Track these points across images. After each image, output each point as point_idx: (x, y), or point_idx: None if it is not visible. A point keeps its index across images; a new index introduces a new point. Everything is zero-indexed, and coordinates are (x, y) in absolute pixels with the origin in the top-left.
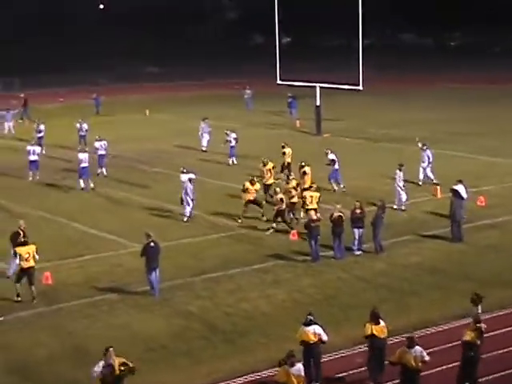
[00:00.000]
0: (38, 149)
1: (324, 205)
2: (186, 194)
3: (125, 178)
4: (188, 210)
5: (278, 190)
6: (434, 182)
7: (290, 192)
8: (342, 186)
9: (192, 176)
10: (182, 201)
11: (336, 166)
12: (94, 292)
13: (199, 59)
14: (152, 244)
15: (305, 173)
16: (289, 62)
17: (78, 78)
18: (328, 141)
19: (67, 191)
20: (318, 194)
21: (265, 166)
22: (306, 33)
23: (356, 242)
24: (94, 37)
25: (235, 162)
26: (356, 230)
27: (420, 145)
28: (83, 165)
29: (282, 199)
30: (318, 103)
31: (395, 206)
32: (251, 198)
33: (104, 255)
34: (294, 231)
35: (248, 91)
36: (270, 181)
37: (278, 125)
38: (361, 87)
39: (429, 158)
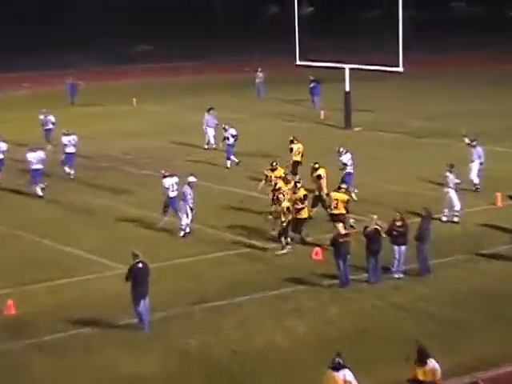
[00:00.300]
0: (3, 145)
1: (355, 215)
2: (185, 202)
3: (106, 183)
4: (186, 221)
5: (281, 197)
6: (477, 187)
7: (297, 203)
8: (354, 190)
9: (192, 179)
10: (165, 208)
11: (349, 169)
12: (68, 325)
13: (200, 35)
14: (140, 265)
15: (320, 177)
16: (311, 37)
17: (52, 59)
18: (359, 136)
19: (35, 200)
20: (345, 197)
21: (273, 171)
22: (333, 1)
23: (396, 263)
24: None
25: (235, 161)
26: (396, 248)
27: (468, 140)
28: (35, 167)
29: (288, 209)
30: (347, 89)
31: (444, 218)
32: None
33: (80, 279)
34: (317, 249)
35: (260, 75)
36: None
37: (297, 116)
38: (401, 69)
39: (480, 158)
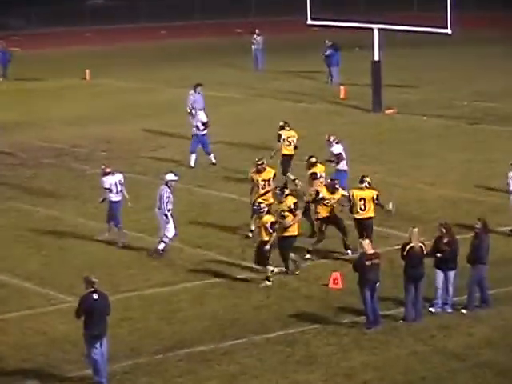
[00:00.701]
0: None
1: (388, 229)
2: (161, 207)
3: (47, 186)
4: (172, 233)
5: (262, 206)
6: None
7: (283, 217)
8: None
9: (171, 177)
10: (109, 219)
11: (342, 166)
12: None
13: None
14: (95, 296)
15: (315, 176)
16: None
17: None
18: (392, 121)
19: None
20: (373, 193)
21: (260, 172)
22: None
23: (440, 293)
24: None
25: (213, 160)
26: (441, 274)
27: None
28: None
29: (273, 224)
30: (376, 58)
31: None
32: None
33: (15, 316)
34: (336, 274)
35: (258, 38)
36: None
37: (308, 95)
38: (449, 30)
39: None
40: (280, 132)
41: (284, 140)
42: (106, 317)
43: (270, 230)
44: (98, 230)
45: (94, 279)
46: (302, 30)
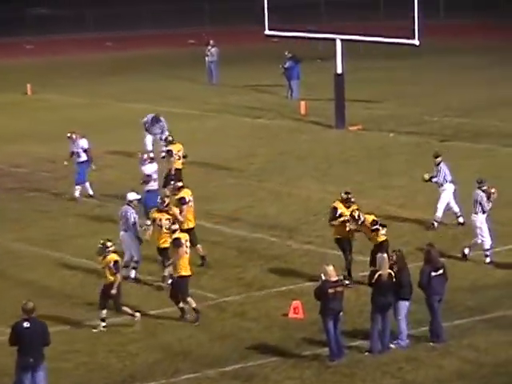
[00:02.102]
0: None
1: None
2: (128, 229)
3: None
4: (137, 257)
5: (109, 244)
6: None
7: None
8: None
9: (133, 197)
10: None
11: (151, 186)
12: None
13: None
14: (25, 324)
15: (184, 201)
16: None
17: None
18: (357, 138)
19: None
20: (354, 207)
21: (175, 192)
22: None
23: (403, 326)
24: None
25: (90, 192)
26: (402, 303)
27: None
28: None
29: (165, 250)
30: (339, 70)
31: (467, 250)
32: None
33: None
34: (296, 304)
35: (212, 49)
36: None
37: (267, 110)
38: (416, 41)
39: None
40: (169, 148)
41: (175, 155)
42: (41, 347)
43: (114, 270)
44: (40, 257)
45: (29, 306)
46: (259, 41)
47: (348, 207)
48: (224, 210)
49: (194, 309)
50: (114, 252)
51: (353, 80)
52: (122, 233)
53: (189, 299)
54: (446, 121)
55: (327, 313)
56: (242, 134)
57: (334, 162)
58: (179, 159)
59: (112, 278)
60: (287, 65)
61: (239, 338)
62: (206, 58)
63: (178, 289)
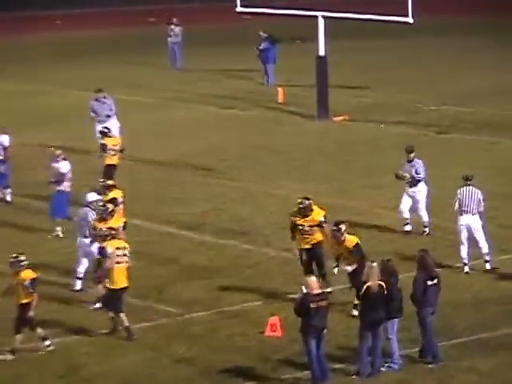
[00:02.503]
0: None
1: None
2: (87, 236)
3: None
4: (81, 271)
5: (22, 258)
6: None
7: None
8: None
9: (93, 197)
10: None
11: (64, 187)
12: None
13: None
14: None
15: (116, 202)
16: None
17: None
18: (341, 130)
19: None
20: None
21: (109, 189)
22: None
23: (395, 346)
24: None
25: (8, 198)
26: (392, 321)
27: None
28: None
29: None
30: (321, 52)
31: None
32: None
33: None
34: (273, 320)
35: (176, 29)
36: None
37: (240, 99)
38: (410, 19)
39: None
40: (103, 141)
41: (110, 149)
42: None
43: (31, 290)
44: None
45: None
46: (231, 19)
47: (305, 216)
48: (190, 213)
49: (126, 328)
50: (29, 267)
51: (337, 63)
52: (79, 239)
53: (122, 315)
54: (444, 110)
55: (309, 330)
56: (211, 126)
57: (316, 157)
58: (115, 155)
59: (27, 300)
60: (262, 46)
61: (208, 360)
62: (169, 39)
63: (108, 303)
